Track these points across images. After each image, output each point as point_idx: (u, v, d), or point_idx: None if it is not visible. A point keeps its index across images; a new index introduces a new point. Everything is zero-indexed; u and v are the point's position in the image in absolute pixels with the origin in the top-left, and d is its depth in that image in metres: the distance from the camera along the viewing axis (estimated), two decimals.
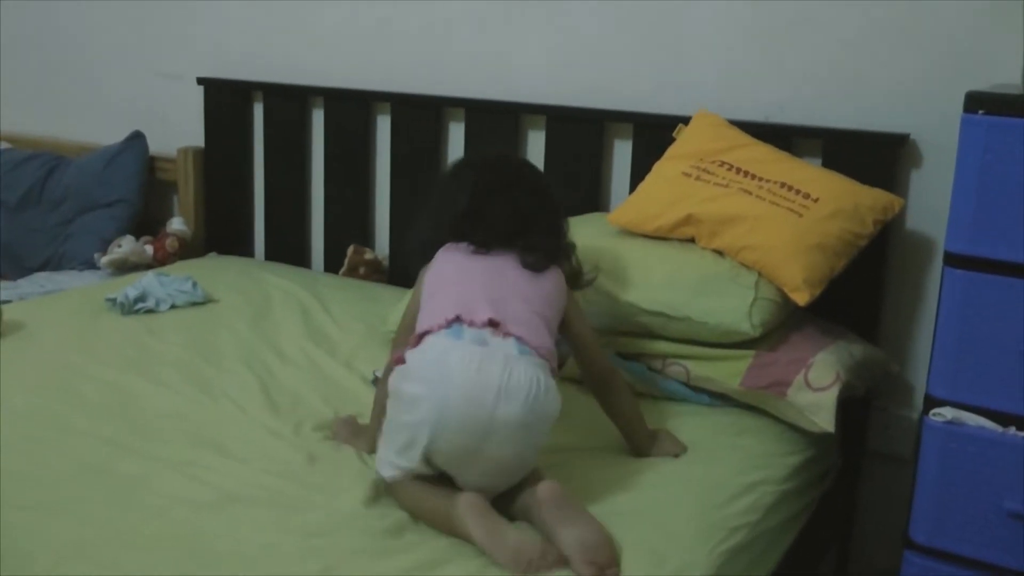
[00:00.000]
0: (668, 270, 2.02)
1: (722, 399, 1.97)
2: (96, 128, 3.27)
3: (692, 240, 2.11)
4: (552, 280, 1.74)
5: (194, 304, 2.51)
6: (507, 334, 1.57)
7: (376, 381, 1.97)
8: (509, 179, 1.81)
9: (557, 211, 1.84)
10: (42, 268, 3.05)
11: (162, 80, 3.15)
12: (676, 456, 1.77)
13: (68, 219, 3.11)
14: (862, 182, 2.11)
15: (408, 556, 1.42)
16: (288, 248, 3.04)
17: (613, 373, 1.82)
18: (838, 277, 2.02)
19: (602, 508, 1.55)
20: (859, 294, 2.21)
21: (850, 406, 2.05)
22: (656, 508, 1.59)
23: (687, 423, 1.90)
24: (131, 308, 2.43)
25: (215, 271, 2.80)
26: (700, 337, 1.95)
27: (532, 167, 1.96)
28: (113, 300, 2.45)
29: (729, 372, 1.93)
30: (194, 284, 2.55)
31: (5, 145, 3.36)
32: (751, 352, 1.93)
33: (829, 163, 2.22)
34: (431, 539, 1.47)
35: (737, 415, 1.94)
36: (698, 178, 2.14)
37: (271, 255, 3.07)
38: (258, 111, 3.01)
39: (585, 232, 2.23)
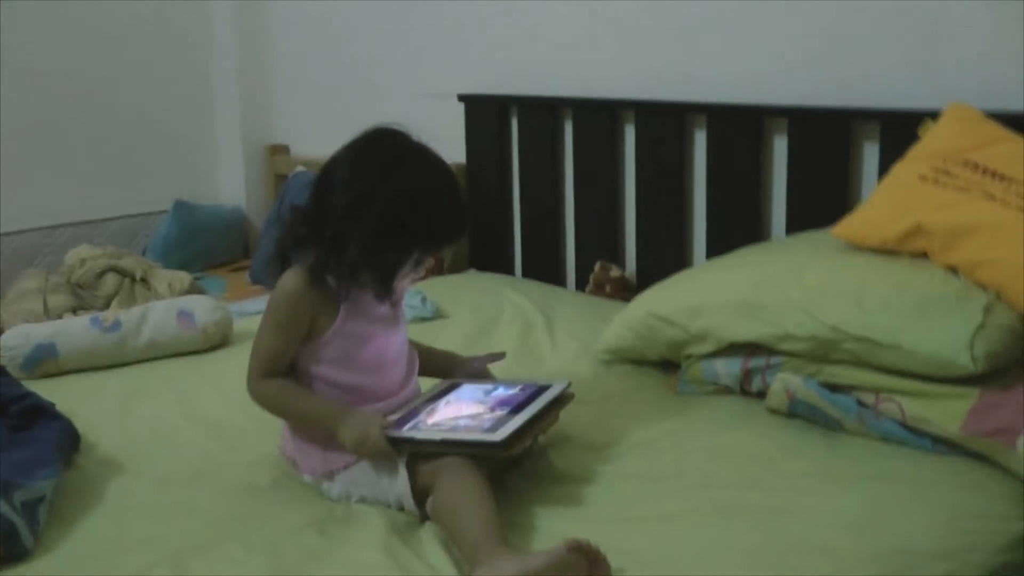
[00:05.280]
0: (886, 290, 1.72)
1: (948, 445, 1.63)
2: None
3: (926, 256, 1.79)
4: None
5: (422, 320, 2.49)
6: None
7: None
8: None
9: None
10: None
11: (429, 100, 3.21)
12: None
13: None
14: None
15: None
16: (543, 264, 2.97)
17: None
18: None
19: (749, 549, 1.38)
20: None
21: None
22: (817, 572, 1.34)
23: (895, 470, 1.59)
24: None
25: (461, 287, 2.78)
26: (913, 369, 1.63)
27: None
28: None
29: (949, 413, 1.59)
30: (423, 299, 2.54)
31: (300, 168, 3.57)
32: (976, 390, 1.58)
33: None
34: None
35: (966, 466, 1.59)
36: (936, 181, 1.81)
37: (528, 271, 3.02)
38: (515, 126, 2.97)
39: (800, 249, 1.99)
